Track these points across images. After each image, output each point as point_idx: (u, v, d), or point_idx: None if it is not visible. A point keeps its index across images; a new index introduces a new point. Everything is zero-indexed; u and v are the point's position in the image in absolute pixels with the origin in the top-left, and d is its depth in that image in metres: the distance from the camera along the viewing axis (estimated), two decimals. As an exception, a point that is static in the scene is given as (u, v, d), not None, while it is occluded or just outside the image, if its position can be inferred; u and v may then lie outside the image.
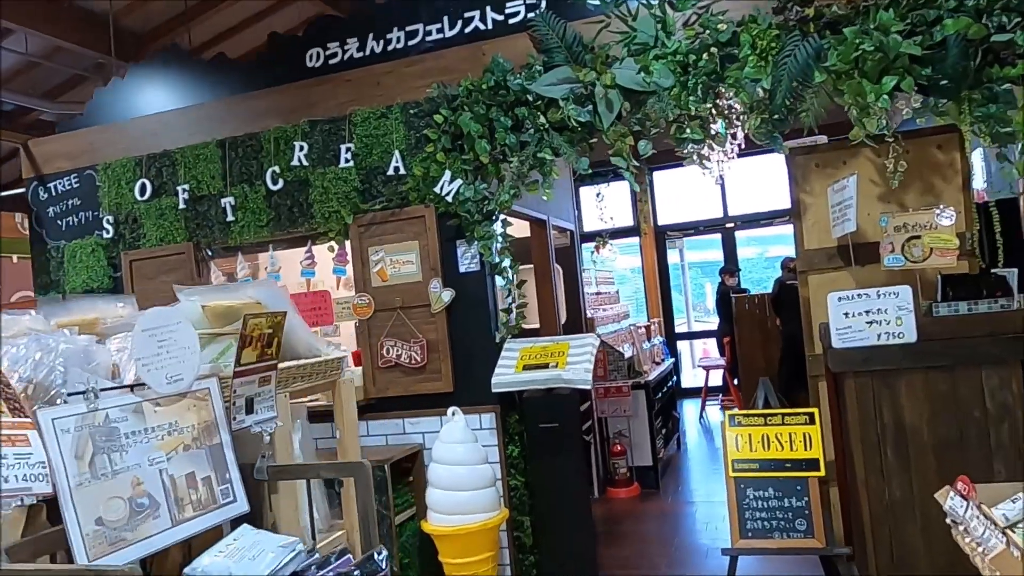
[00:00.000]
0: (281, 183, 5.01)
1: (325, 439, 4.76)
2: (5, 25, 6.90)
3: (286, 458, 1.94)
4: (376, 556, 1.63)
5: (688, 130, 4.18)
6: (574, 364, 4.31)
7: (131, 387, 1.66)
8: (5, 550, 1.43)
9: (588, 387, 4.29)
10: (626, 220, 10.95)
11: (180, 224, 5.31)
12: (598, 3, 4.28)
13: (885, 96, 3.60)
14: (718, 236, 11.07)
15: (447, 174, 4.59)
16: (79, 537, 1.44)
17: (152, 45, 7.90)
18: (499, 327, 4.67)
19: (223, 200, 5.14)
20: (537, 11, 4.46)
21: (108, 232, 5.50)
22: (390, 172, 4.76)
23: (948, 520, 2.67)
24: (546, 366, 4.37)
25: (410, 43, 4.86)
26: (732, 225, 10.86)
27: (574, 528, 4.41)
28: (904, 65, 3.60)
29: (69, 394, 1.57)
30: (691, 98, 4.06)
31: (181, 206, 5.28)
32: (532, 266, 6.26)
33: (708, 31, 4.02)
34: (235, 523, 1.72)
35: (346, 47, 4.99)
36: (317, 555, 1.63)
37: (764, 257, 12.85)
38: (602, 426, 6.68)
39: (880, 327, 3.47)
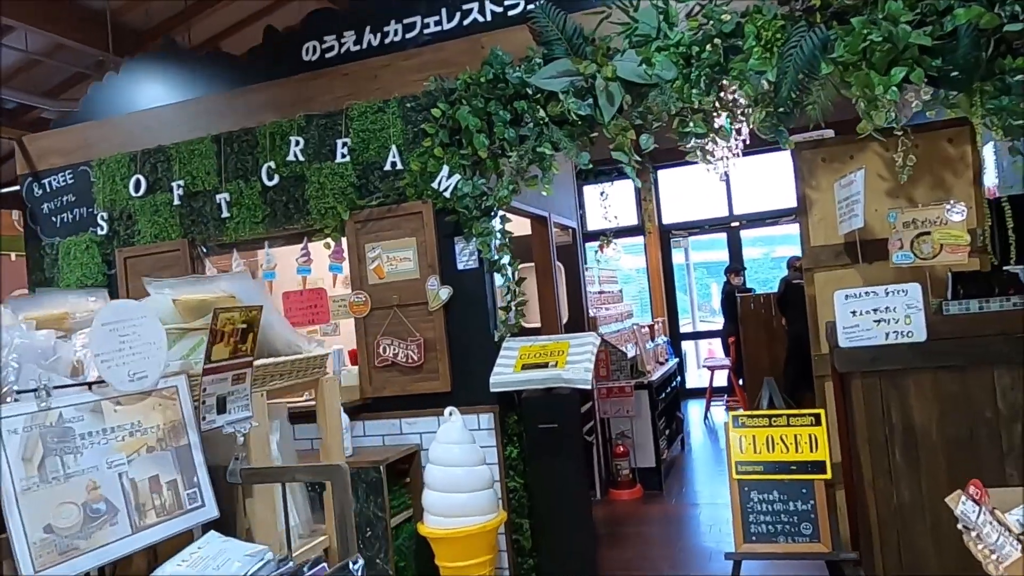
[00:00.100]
0: (277, 179, 4.92)
1: (319, 439, 4.68)
2: (5, 22, 6.85)
3: (262, 460, 1.84)
4: (351, 565, 1.53)
5: (691, 124, 4.09)
6: (574, 363, 4.21)
7: (89, 385, 1.57)
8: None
9: (588, 387, 4.20)
10: (630, 219, 10.87)
11: (175, 221, 5.23)
12: (599, -7, 4.18)
13: (894, 88, 3.49)
14: (723, 235, 10.98)
15: (445, 169, 4.50)
16: (24, 545, 1.34)
17: (152, 43, 7.84)
18: (498, 325, 4.58)
19: (218, 196, 5.06)
20: (536, 2, 4.37)
21: (102, 229, 5.42)
22: (387, 167, 4.67)
23: (960, 526, 2.58)
24: (545, 365, 4.28)
25: (408, 36, 4.77)
26: (737, 224, 10.77)
27: (574, 531, 4.32)
28: (913, 56, 3.49)
29: (19, 392, 1.48)
30: (694, 91, 3.96)
31: (176, 202, 5.20)
32: (533, 264, 6.17)
33: (711, 22, 3.92)
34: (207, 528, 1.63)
35: (343, 40, 4.90)
36: (291, 563, 1.54)
37: (770, 257, 12.77)
38: (604, 427, 6.59)
39: (888, 326, 3.39)
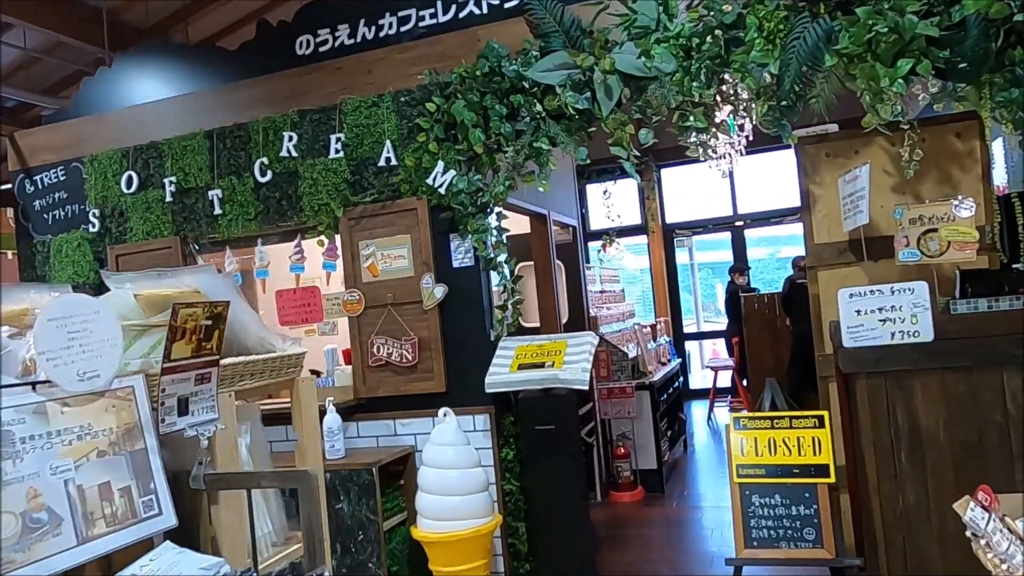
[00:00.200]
0: (270, 175, 4.83)
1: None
2: (4, 20, 6.80)
3: (230, 464, 1.75)
4: (317, 578, 1.44)
5: (691, 118, 3.99)
6: (571, 364, 4.11)
7: (33, 385, 1.48)
8: None
9: (585, 387, 4.10)
10: (634, 218, 10.78)
11: (167, 218, 5.15)
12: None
13: (900, 80, 3.39)
14: (727, 235, 10.88)
15: (440, 165, 4.41)
16: (-48, 559, 1.25)
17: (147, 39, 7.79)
18: (494, 325, 4.48)
19: (210, 193, 4.98)
20: (533, -6, 4.27)
21: (94, 226, 5.35)
22: (381, 163, 4.58)
23: (968, 533, 2.48)
24: (542, 365, 4.18)
25: (402, 29, 4.68)
26: (741, 223, 10.68)
27: (572, 534, 4.22)
28: (920, 47, 3.38)
29: (-47, 392, 1.39)
30: (694, 84, 3.85)
31: (168, 199, 5.12)
32: (532, 262, 6.07)
33: (712, 13, 3.80)
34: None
35: (337, 34, 4.82)
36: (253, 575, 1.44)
37: (775, 257, 12.67)
38: (605, 428, 6.49)
39: (894, 325, 3.29)
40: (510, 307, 4.47)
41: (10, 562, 1.29)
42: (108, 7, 7.46)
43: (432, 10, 4.62)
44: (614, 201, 8.15)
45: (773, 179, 9.80)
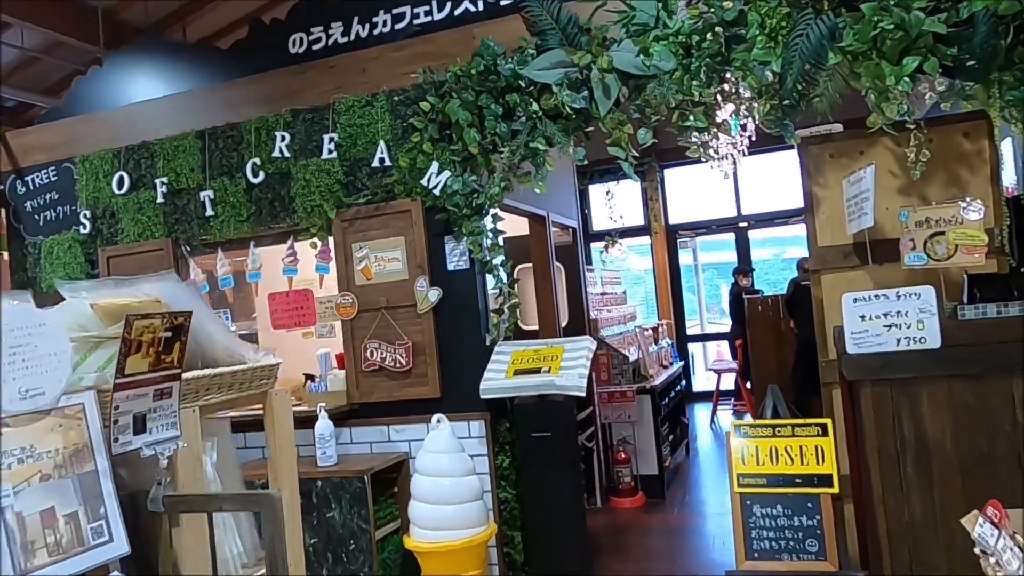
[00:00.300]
0: (262, 176, 4.75)
1: (305, 446, 4.52)
2: (4, 19, 6.75)
3: (193, 484, 1.65)
4: (278, 610, 1.34)
5: (691, 118, 3.90)
6: (568, 369, 4.02)
7: (-34, 404, 1.38)
8: None
9: (582, 394, 4.02)
10: (637, 219, 10.68)
11: (158, 219, 5.07)
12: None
13: (906, 79, 3.29)
14: (731, 236, 10.78)
15: (434, 165, 4.32)
16: None
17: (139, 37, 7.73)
18: (490, 329, 4.39)
19: (202, 194, 4.90)
20: (530, -10, 4.17)
21: (85, 227, 5.27)
22: (375, 164, 4.50)
23: (977, 550, 2.39)
24: (538, 371, 4.09)
25: (397, 26, 4.60)
26: (746, 224, 10.58)
27: (569, 544, 4.13)
28: (927, 44, 3.29)
29: None
30: (694, 82, 3.76)
31: (159, 200, 5.04)
32: (531, 264, 5.98)
33: (713, 9, 3.71)
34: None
35: (330, 32, 4.73)
36: (212, 606, 1.36)
37: (781, 258, 12.56)
38: (605, 432, 6.39)
39: (900, 331, 3.19)
40: (506, 311, 4.37)
41: (-65, 599, 1.20)
42: (107, 6, 7.43)
43: (427, 7, 4.54)
44: (617, 202, 8.06)
45: (777, 180, 9.69)
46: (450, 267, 4.41)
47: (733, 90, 3.84)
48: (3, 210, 5.84)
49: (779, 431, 3.70)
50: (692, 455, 7.85)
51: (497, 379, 4.15)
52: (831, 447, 3.59)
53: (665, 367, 7.45)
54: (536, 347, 4.29)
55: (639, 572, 4.76)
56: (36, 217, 5.50)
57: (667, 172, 10.64)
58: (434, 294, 4.37)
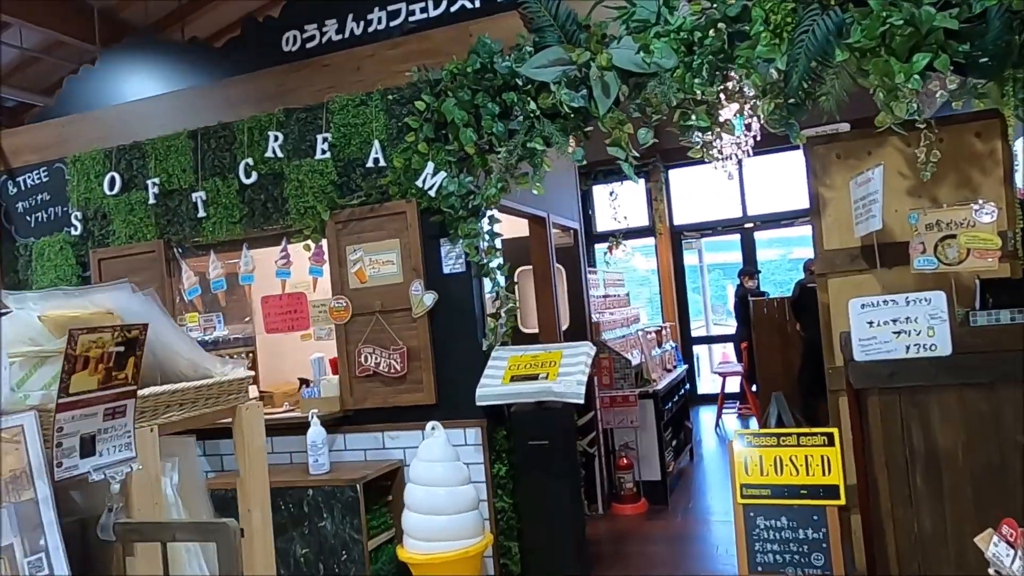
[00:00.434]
0: (255, 176, 4.66)
1: (299, 452, 4.43)
2: (3, 19, 6.69)
3: (149, 510, 1.54)
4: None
5: (693, 117, 3.79)
6: (566, 376, 3.91)
7: None
8: None
9: (580, 401, 3.91)
10: (641, 220, 10.56)
11: (150, 220, 4.98)
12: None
13: (916, 76, 3.21)
14: (737, 237, 10.65)
15: (430, 166, 4.22)
16: None
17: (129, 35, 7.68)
18: (486, 334, 4.28)
19: (194, 195, 4.81)
20: (528, -14, 4.07)
21: (76, 229, 5.19)
22: (369, 164, 4.40)
23: (991, 570, 2.28)
24: (536, 377, 3.99)
25: (392, 24, 4.50)
26: (751, 225, 10.45)
27: (567, 556, 4.01)
28: (938, 41, 3.20)
29: None
30: (696, 80, 3.67)
31: (151, 201, 4.95)
32: (531, 267, 5.87)
33: (715, 5, 3.62)
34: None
35: (325, 29, 4.64)
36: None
37: (787, 259, 12.45)
38: (607, 438, 6.28)
39: (909, 338, 3.11)
40: (503, 315, 4.27)
41: None
42: (107, 6, 7.41)
43: (423, 4, 4.45)
44: (621, 203, 7.95)
45: (784, 180, 9.56)
46: (446, 270, 4.31)
47: (736, 88, 3.74)
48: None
49: (784, 440, 3.59)
50: (696, 460, 7.73)
51: (494, 385, 4.05)
52: (837, 457, 3.49)
53: (669, 371, 7.34)
54: (534, 352, 4.19)
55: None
56: (28, 218, 5.42)
57: (672, 173, 10.52)
58: (429, 298, 4.27)
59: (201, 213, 4.79)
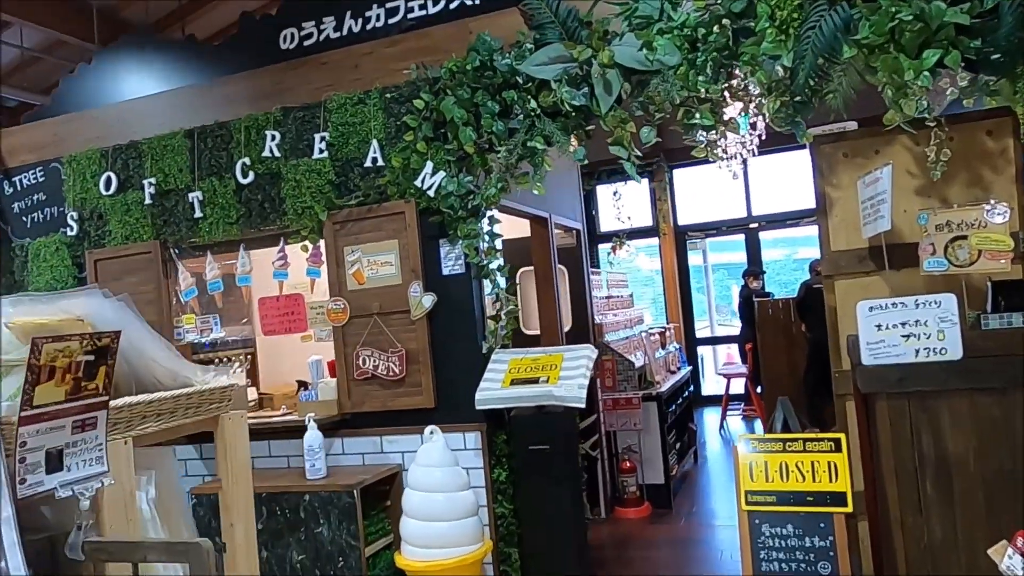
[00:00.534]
0: (252, 176, 4.59)
1: (296, 456, 4.37)
2: (3, 18, 6.66)
3: (122, 526, 1.47)
4: None
5: (697, 115, 3.71)
6: (567, 379, 3.84)
7: None
8: None
9: (581, 405, 3.84)
10: (645, 220, 10.49)
11: (146, 221, 4.91)
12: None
13: (926, 73, 3.12)
14: (741, 237, 10.57)
15: (429, 165, 4.15)
16: None
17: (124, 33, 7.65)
18: (486, 336, 4.21)
19: (191, 195, 4.74)
20: (528, -18, 3.99)
21: (72, 229, 5.13)
22: (367, 164, 4.34)
23: (1005, 584, 2.20)
24: (536, 381, 3.92)
25: (391, 21, 4.44)
26: (756, 225, 10.38)
27: (568, 562, 3.94)
28: (949, 37, 3.11)
29: None
30: (700, 78, 3.59)
31: (147, 201, 4.89)
32: (532, 268, 5.80)
33: (719, 1, 3.53)
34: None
35: (322, 26, 4.58)
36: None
37: (793, 259, 12.35)
38: (610, 441, 6.21)
39: (919, 342, 3.03)
40: (504, 317, 4.19)
41: None
42: (107, 5, 7.37)
43: (421, 0, 4.38)
44: (624, 203, 7.87)
45: (789, 180, 9.48)
46: (445, 271, 4.24)
47: (741, 86, 3.66)
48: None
49: (790, 446, 3.51)
50: (700, 462, 7.66)
51: (494, 389, 3.98)
52: (845, 463, 3.41)
53: (672, 372, 7.27)
54: (534, 355, 4.12)
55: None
56: (24, 219, 5.37)
57: (676, 172, 10.45)
58: (428, 300, 4.20)
59: (198, 213, 4.73)
